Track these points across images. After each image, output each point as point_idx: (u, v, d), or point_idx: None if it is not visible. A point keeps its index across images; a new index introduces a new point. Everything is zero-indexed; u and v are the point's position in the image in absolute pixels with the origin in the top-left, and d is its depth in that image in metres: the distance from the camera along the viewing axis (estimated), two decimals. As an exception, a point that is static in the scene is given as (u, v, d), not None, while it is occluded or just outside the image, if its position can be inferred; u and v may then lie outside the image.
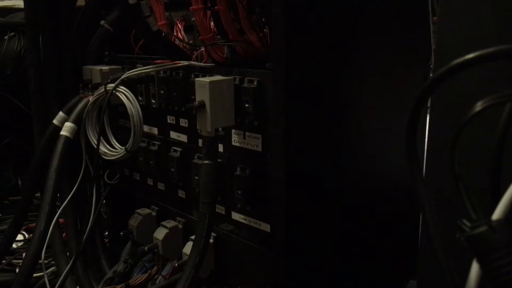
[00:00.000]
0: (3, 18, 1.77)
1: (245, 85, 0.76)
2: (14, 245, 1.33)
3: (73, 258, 1.03)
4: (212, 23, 0.80)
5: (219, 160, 0.82)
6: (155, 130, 1.01)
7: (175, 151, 0.95)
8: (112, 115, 1.01)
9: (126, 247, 1.09)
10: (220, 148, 0.84)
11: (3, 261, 1.28)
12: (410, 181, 0.38)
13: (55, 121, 1.00)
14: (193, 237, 0.83)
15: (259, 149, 0.78)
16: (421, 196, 0.37)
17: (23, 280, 0.98)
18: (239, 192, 0.81)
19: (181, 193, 0.98)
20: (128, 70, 0.92)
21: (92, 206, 1.06)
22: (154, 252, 0.95)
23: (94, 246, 1.16)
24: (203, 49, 0.86)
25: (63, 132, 1.00)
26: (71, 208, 1.12)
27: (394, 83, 0.98)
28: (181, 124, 0.93)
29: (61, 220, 1.15)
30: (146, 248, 0.94)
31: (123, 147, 0.95)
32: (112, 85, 0.88)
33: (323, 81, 0.79)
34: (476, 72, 0.37)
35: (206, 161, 0.77)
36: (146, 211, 1.04)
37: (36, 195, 1.27)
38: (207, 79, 0.74)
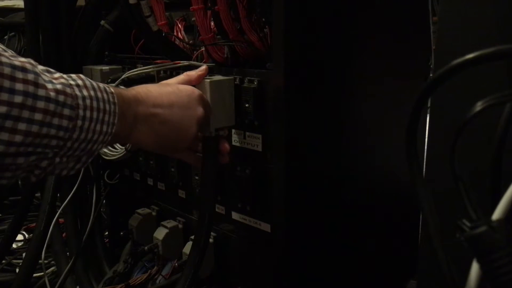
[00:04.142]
0: (3, 18, 1.78)
1: (245, 85, 0.76)
2: (14, 245, 1.33)
3: (73, 258, 1.03)
4: (212, 23, 0.80)
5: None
6: (155, 130, 1.01)
7: (175, 151, 0.95)
8: (112, 115, 1.01)
9: (126, 247, 1.09)
10: (220, 148, 0.84)
11: (3, 261, 1.28)
12: (410, 181, 0.38)
13: (55, 121, 1.00)
14: (193, 237, 0.83)
15: (259, 149, 0.78)
16: (421, 196, 0.37)
17: (23, 280, 0.99)
18: (239, 192, 0.81)
19: (181, 193, 0.98)
20: (128, 70, 0.92)
21: (92, 206, 1.06)
22: (154, 252, 0.95)
23: (94, 246, 1.16)
24: (203, 49, 0.86)
25: None
26: (71, 208, 1.12)
27: (394, 83, 0.98)
28: (181, 124, 0.93)
29: (61, 220, 1.15)
30: (146, 248, 0.94)
31: (123, 147, 0.95)
32: (112, 85, 0.88)
33: (323, 81, 0.79)
34: (476, 72, 0.37)
35: (207, 161, 0.77)
36: (146, 211, 1.04)
37: (36, 195, 1.27)
38: (207, 79, 0.74)
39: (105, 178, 1.14)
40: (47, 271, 1.15)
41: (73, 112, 0.46)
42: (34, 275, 1.10)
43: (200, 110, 0.65)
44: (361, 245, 0.96)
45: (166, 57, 0.93)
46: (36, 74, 0.43)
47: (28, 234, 1.45)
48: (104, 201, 1.19)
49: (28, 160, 0.44)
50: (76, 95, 0.47)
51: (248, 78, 0.76)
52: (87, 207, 1.08)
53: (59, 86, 0.45)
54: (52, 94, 0.44)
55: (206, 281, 0.91)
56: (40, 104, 0.43)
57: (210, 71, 0.82)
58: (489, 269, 0.32)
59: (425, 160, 0.52)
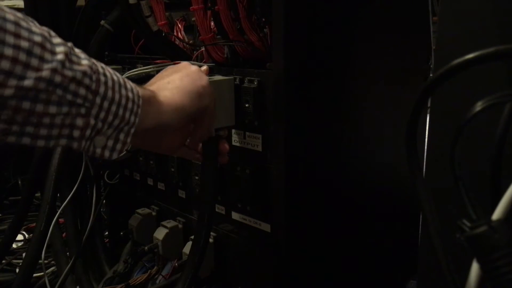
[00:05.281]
0: (3, 18, 1.77)
1: (245, 85, 0.76)
2: (14, 245, 1.33)
3: (73, 258, 1.03)
4: (212, 23, 0.80)
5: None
6: (155, 130, 1.00)
7: (175, 151, 0.95)
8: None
9: (126, 247, 1.09)
10: (220, 148, 0.84)
11: (3, 261, 1.28)
12: (410, 181, 0.38)
13: (55, 121, 1.00)
14: (193, 237, 0.83)
15: (259, 149, 0.78)
16: (421, 196, 0.37)
17: (23, 280, 0.98)
18: (239, 192, 0.81)
19: (181, 193, 0.98)
20: (128, 70, 0.92)
21: (92, 206, 1.06)
22: (154, 252, 0.96)
23: (94, 246, 1.16)
24: (203, 49, 0.86)
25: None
26: (71, 208, 1.12)
27: (395, 83, 0.98)
28: (181, 124, 0.93)
29: (61, 220, 1.15)
30: (146, 248, 0.94)
31: (123, 147, 0.94)
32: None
33: (323, 81, 0.79)
34: (476, 72, 0.37)
35: (206, 161, 0.77)
36: (146, 211, 1.04)
37: (36, 195, 1.27)
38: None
39: (105, 178, 1.14)
40: (47, 271, 1.15)
41: (91, 64, 0.47)
42: (34, 275, 1.10)
43: (192, 66, 0.64)
44: (361, 245, 0.96)
45: (166, 57, 0.93)
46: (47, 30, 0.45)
47: (28, 234, 1.45)
48: (104, 201, 1.19)
49: (61, 110, 0.44)
50: (88, 59, 0.48)
51: (248, 78, 0.76)
52: (87, 207, 1.08)
53: (69, 44, 0.47)
54: (68, 44, 0.46)
55: (206, 281, 0.91)
56: (59, 49, 0.44)
57: (210, 71, 0.82)
58: (489, 269, 0.32)
59: (425, 160, 0.52)
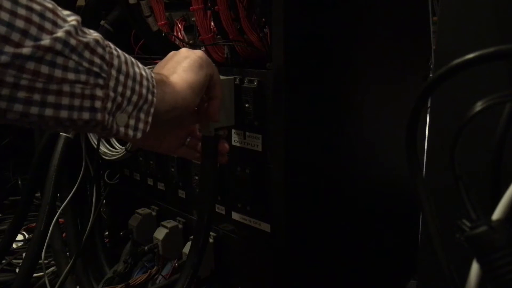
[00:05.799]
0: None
1: (245, 85, 0.76)
2: (14, 245, 1.33)
3: (73, 258, 1.03)
4: (212, 23, 0.80)
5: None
6: (155, 130, 1.00)
7: (175, 151, 0.95)
8: (112, 115, 1.01)
9: (126, 247, 1.09)
10: (220, 148, 0.83)
11: (3, 261, 1.28)
12: (410, 181, 0.38)
13: (55, 121, 1.00)
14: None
15: (259, 149, 0.78)
16: (421, 196, 0.37)
17: (23, 280, 0.98)
18: (239, 192, 0.81)
19: (181, 193, 0.98)
20: (128, 70, 0.92)
21: (92, 206, 1.06)
22: (154, 252, 0.96)
23: (94, 246, 1.16)
24: (203, 49, 0.86)
25: (63, 132, 1.00)
26: (71, 208, 1.12)
27: (394, 83, 0.98)
28: (181, 124, 0.93)
29: (61, 220, 1.15)
30: (146, 248, 0.94)
31: (123, 147, 0.95)
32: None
33: (323, 81, 0.79)
34: (476, 72, 0.37)
35: (206, 161, 0.77)
36: (146, 211, 1.04)
37: (36, 195, 1.27)
38: (207, 79, 0.74)
39: (105, 178, 1.14)
40: (47, 271, 1.15)
41: (101, 36, 0.47)
42: (34, 275, 1.10)
43: (180, 50, 0.65)
44: (361, 245, 0.96)
45: (166, 57, 0.93)
46: None
47: (28, 234, 1.45)
48: (104, 201, 1.19)
49: (79, 78, 0.44)
50: (97, 32, 0.49)
51: (248, 78, 0.76)
52: (87, 207, 1.08)
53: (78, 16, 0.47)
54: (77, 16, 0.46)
55: (206, 281, 0.91)
56: (71, 18, 0.45)
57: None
58: (489, 269, 0.32)
59: (425, 160, 0.52)
